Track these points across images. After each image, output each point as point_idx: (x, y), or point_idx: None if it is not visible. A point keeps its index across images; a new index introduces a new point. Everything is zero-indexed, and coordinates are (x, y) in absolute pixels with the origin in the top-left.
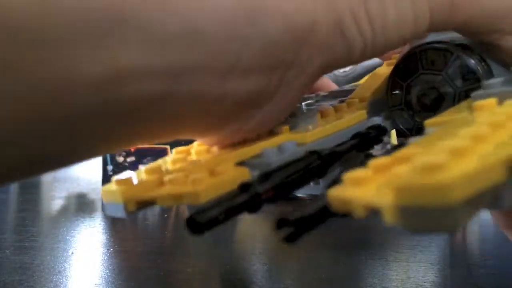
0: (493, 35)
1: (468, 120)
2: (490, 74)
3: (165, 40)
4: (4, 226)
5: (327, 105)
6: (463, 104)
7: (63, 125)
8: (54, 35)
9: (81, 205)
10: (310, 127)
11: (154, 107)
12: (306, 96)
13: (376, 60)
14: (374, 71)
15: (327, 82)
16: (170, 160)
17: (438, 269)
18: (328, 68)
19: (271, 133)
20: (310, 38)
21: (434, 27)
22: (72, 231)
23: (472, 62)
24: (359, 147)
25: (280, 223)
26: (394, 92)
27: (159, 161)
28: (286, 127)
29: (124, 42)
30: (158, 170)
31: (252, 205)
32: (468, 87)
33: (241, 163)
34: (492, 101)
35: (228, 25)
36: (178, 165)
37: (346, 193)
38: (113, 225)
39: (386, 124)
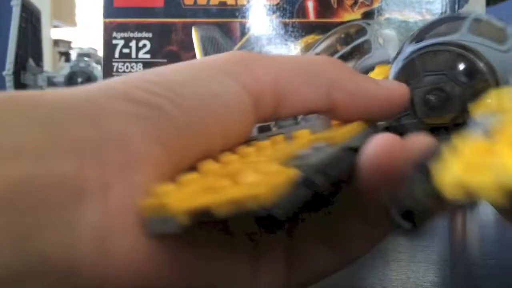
0: None
1: None
2: (492, 70)
3: None
4: None
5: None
6: None
7: None
8: None
9: None
10: (328, 130)
11: None
12: None
13: (378, 59)
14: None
15: None
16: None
17: (438, 269)
18: None
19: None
20: None
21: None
22: None
23: (474, 59)
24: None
25: None
26: None
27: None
28: (306, 131)
29: None
30: (194, 178)
31: (316, 202)
32: (474, 84)
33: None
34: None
35: None
36: (217, 170)
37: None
38: None
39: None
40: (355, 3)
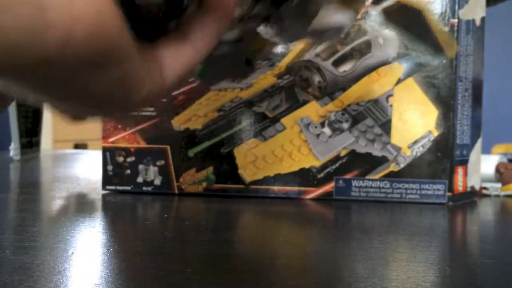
0: None
1: None
2: None
3: None
4: (4, 226)
5: None
6: None
7: None
8: None
9: (81, 205)
10: None
11: None
12: None
13: (377, 60)
14: None
15: None
16: None
17: (438, 269)
18: None
19: None
20: None
21: None
22: (72, 231)
23: None
24: None
25: None
26: None
27: None
28: None
29: None
30: None
31: None
32: None
33: None
34: None
35: None
36: None
37: None
38: (113, 225)
39: None
40: None
